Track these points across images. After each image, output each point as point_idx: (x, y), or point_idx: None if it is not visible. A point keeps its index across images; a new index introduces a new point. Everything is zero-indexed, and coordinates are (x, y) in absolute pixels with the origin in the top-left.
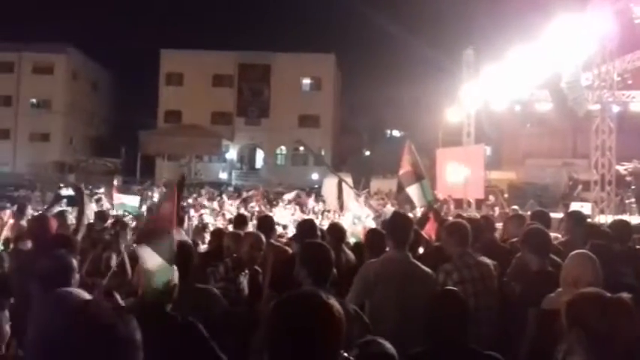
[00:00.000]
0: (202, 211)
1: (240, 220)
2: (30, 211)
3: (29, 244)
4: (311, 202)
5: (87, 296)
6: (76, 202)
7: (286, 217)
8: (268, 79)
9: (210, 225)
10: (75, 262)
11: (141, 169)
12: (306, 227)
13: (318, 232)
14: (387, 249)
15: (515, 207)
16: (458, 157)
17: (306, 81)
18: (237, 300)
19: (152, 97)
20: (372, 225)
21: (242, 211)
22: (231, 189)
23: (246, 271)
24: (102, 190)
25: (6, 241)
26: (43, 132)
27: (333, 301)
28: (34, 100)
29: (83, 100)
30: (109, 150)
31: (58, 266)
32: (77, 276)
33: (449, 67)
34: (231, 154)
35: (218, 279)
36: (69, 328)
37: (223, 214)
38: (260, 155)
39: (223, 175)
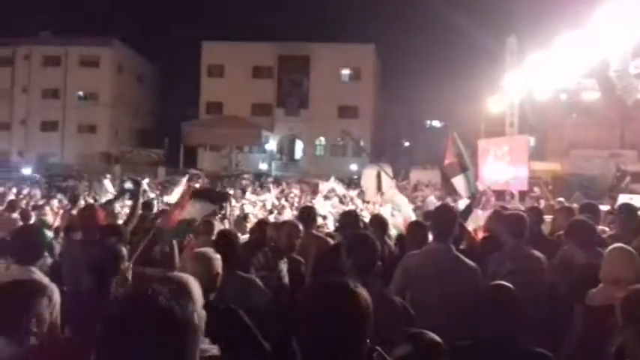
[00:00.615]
0: (243, 201)
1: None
2: (82, 202)
3: (80, 234)
4: (339, 189)
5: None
6: (133, 194)
7: (326, 208)
8: (307, 70)
9: (251, 215)
10: (125, 251)
11: (184, 159)
12: (350, 218)
13: (361, 224)
14: (430, 241)
15: (561, 199)
16: (500, 148)
17: (346, 71)
18: (278, 288)
19: (194, 88)
20: (412, 216)
21: (282, 201)
22: (270, 179)
23: (285, 259)
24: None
25: (56, 230)
26: (90, 124)
27: (361, 290)
28: (81, 93)
29: (128, 93)
30: (153, 141)
31: (108, 255)
32: (127, 264)
33: (491, 56)
34: (271, 144)
35: (258, 268)
36: (127, 314)
37: (264, 205)
38: (299, 146)
39: (263, 166)
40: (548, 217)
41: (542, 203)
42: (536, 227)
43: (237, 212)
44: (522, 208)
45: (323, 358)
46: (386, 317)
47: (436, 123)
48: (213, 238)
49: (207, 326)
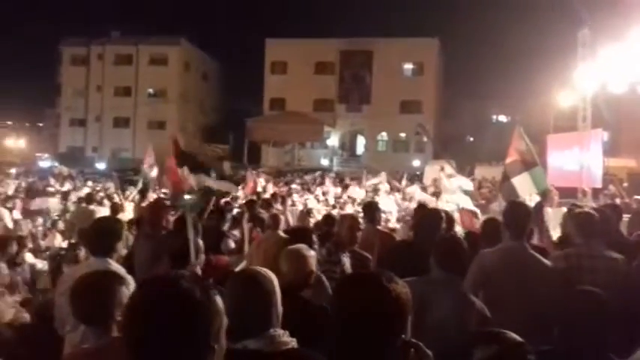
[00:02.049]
0: (306, 196)
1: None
2: (153, 195)
3: (150, 227)
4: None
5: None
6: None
7: (389, 203)
8: (370, 65)
9: (314, 210)
10: (201, 242)
11: (248, 155)
12: (432, 220)
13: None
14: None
15: (638, 197)
16: (572, 143)
17: (408, 66)
18: (333, 279)
19: (258, 85)
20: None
21: (344, 197)
22: (332, 175)
23: (348, 253)
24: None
25: (129, 223)
26: (159, 120)
27: (395, 286)
28: (151, 90)
29: (194, 90)
30: (218, 137)
31: (185, 246)
32: (202, 256)
33: (560, 48)
34: (333, 140)
35: (322, 262)
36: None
37: (326, 200)
38: (361, 141)
39: (325, 162)
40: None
41: (618, 201)
42: (614, 226)
43: (299, 207)
44: (595, 206)
45: (354, 350)
46: (465, 316)
47: (502, 118)
48: (280, 231)
49: (296, 320)
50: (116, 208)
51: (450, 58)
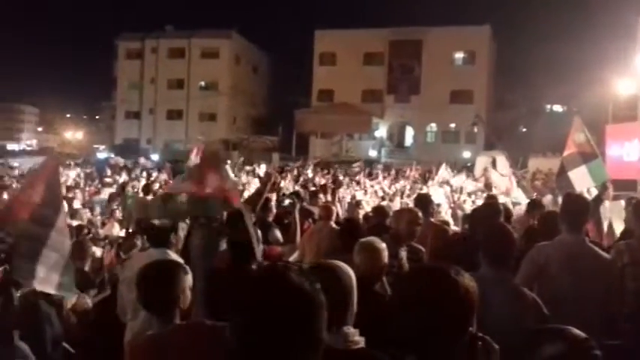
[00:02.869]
0: (355, 188)
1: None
2: None
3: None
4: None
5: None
6: (262, 182)
7: (440, 195)
8: (419, 55)
9: (363, 202)
10: (259, 233)
11: (296, 146)
12: (490, 210)
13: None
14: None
15: None
16: (632, 134)
17: (459, 55)
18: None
19: (306, 77)
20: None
21: (393, 188)
22: (380, 166)
23: (405, 247)
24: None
25: None
26: (210, 112)
27: (463, 279)
28: (202, 83)
29: (245, 82)
30: (267, 128)
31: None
32: (261, 246)
33: (619, 34)
34: (381, 131)
35: None
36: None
37: (375, 191)
38: (410, 132)
39: (373, 153)
40: None
41: None
42: None
43: (348, 199)
44: None
45: (422, 345)
46: (520, 313)
47: (557, 107)
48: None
49: (370, 315)
50: (164, 199)
51: (502, 46)
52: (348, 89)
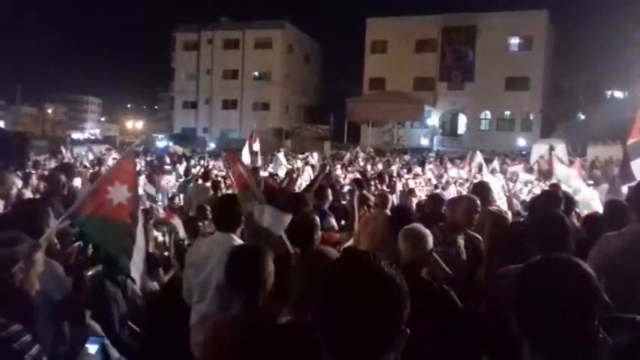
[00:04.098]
0: (407, 176)
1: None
2: (263, 174)
3: None
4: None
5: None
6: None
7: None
8: (473, 41)
9: (416, 190)
10: (318, 220)
11: (348, 134)
12: (550, 199)
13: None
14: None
15: None
16: None
17: (515, 40)
18: (457, 264)
19: (358, 65)
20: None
21: (445, 177)
22: (432, 155)
23: (463, 235)
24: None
25: None
26: (263, 101)
27: (586, 266)
28: (256, 73)
29: (297, 71)
30: (319, 117)
31: (305, 223)
32: (319, 233)
33: None
34: (433, 119)
35: (435, 243)
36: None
37: (429, 179)
38: (463, 120)
39: (425, 141)
40: None
41: None
42: None
43: (400, 187)
44: None
45: (549, 335)
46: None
47: (618, 93)
48: (388, 211)
49: (418, 300)
50: (217, 185)
51: (560, 31)
52: (400, 77)
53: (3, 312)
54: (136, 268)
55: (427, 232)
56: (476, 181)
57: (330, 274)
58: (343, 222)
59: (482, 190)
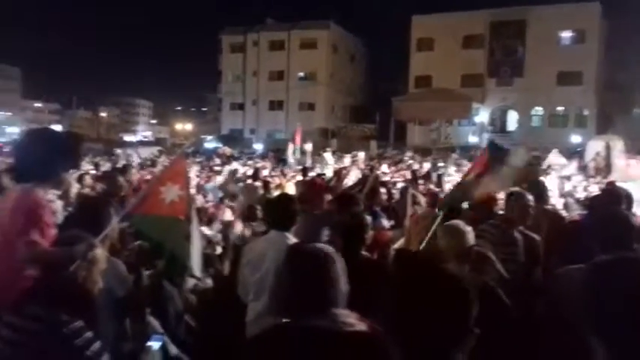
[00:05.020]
0: (455, 174)
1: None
2: (311, 174)
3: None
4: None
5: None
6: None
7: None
8: (523, 36)
9: None
10: (368, 220)
11: (394, 133)
12: (610, 197)
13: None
14: None
15: None
16: None
17: (567, 34)
18: (514, 263)
19: (404, 63)
20: None
21: None
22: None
23: (519, 234)
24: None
25: None
26: (309, 102)
27: None
28: (301, 74)
29: (342, 71)
30: (365, 116)
31: (356, 223)
32: (370, 232)
33: None
34: (482, 116)
35: (493, 241)
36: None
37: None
38: (513, 117)
39: (473, 139)
40: None
41: None
42: None
43: (449, 185)
44: None
45: (620, 334)
46: None
47: None
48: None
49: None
50: (267, 185)
51: (613, 23)
52: (447, 74)
53: (66, 309)
54: (195, 264)
55: (467, 228)
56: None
57: (406, 276)
58: (393, 222)
59: (537, 188)
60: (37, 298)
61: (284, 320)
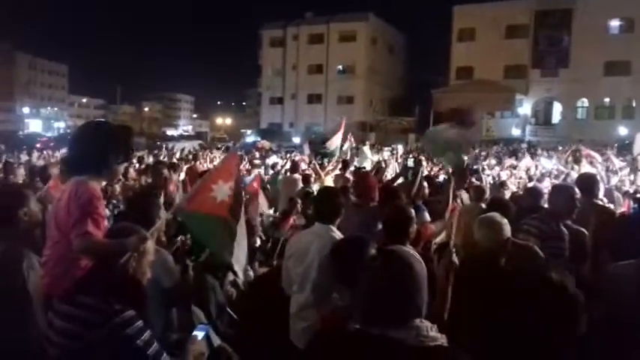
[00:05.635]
0: (496, 168)
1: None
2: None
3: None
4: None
5: None
6: (414, 172)
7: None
8: (569, 25)
9: (508, 183)
10: (413, 213)
11: (433, 126)
12: None
13: None
14: None
15: None
16: None
17: (615, 23)
18: (560, 256)
19: (444, 55)
20: None
21: (540, 168)
22: (524, 145)
23: (564, 228)
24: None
25: None
26: (347, 95)
27: None
28: (340, 67)
29: (381, 64)
30: (403, 109)
31: (401, 216)
32: (415, 226)
33: None
34: (525, 108)
35: (537, 235)
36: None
37: (527, 170)
38: (557, 109)
39: (516, 131)
40: None
41: None
42: None
43: (489, 179)
44: None
45: None
46: None
47: None
48: (483, 204)
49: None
50: (306, 178)
51: None
52: (489, 65)
53: (118, 299)
54: (238, 263)
55: (503, 220)
56: (573, 172)
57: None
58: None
59: (588, 182)
60: (90, 288)
61: (356, 326)
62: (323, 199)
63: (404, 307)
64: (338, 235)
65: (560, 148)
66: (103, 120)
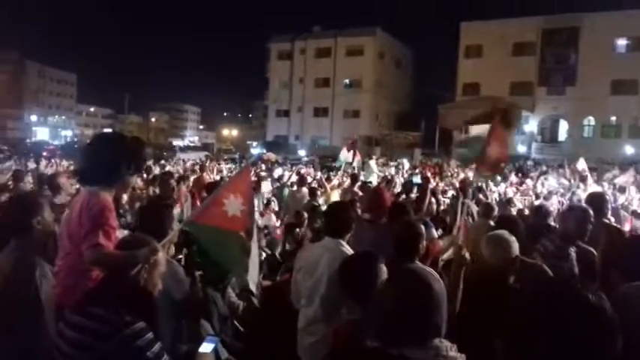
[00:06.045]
0: (502, 185)
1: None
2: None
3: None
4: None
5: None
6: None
7: None
8: (576, 43)
9: (515, 200)
10: (424, 229)
11: (439, 141)
12: None
13: None
14: None
15: None
16: None
17: (622, 42)
18: (569, 278)
19: (451, 70)
20: None
21: (540, 187)
22: (530, 163)
23: (574, 247)
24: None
25: None
26: (354, 109)
27: None
28: (347, 81)
29: (387, 78)
30: (409, 124)
31: (410, 232)
32: (424, 242)
33: None
34: (531, 125)
35: (546, 255)
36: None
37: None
38: (563, 127)
39: (522, 149)
40: None
41: None
42: None
43: (495, 196)
44: None
45: None
46: None
47: None
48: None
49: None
50: (313, 192)
51: None
52: (495, 82)
53: (128, 310)
54: (252, 280)
55: (511, 238)
56: (579, 190)
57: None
58: (440, 231)
59: (597, 201)
60: (101, 299)
61: (374, 344)
62: (334, 213)
63: (423, 326)
64: (348, 249)
65: (561, 169)
66: (115, 131)
